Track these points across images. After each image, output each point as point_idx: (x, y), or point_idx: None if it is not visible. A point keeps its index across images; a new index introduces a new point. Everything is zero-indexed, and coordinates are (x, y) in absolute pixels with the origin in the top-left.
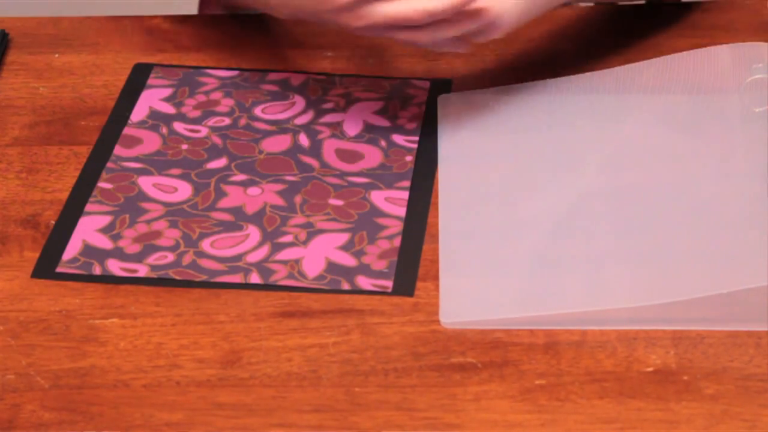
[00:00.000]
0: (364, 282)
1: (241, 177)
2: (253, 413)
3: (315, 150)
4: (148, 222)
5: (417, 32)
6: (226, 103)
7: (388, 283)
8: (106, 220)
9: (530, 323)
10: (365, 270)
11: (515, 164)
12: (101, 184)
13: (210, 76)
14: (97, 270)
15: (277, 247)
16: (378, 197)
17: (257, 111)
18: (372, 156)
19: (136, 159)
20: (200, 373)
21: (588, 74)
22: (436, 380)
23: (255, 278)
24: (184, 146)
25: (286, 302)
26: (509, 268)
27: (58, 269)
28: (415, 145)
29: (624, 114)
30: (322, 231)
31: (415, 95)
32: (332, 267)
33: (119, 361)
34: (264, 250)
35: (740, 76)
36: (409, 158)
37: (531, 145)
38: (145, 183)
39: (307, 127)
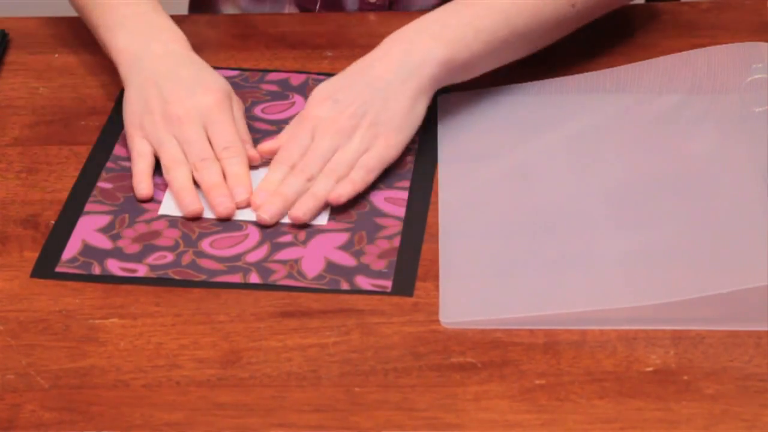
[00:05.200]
0: (363, 282)
1: None
2: (253, 413)
3: None
4: (148, 222)
5: None
6: None
7: (388, 283)
8: (106, 219)
9: (530, 323)
10: (364, 270)
11: (515, 164)
12: (101, 184)
13: None
14: (96, 270)
15: (277, 247)
16: (377, 197)
17: (257, 111)
18: None
19: None
20: (200, 373)
21: (588, 74)
22: (436, 380)
23: (254, 278)
24: None
25: (286, 302)
26: (509, 268)
27: (58, 269)
28: (415, 145)
29: (624, 114)
30: (321, 231)
31: None
32: (331, 267)
33: (119, 361)
34: (263, 250)
35: (740, 76)
36: (408, 158)
37: (531, 145)
38: None
39: None
